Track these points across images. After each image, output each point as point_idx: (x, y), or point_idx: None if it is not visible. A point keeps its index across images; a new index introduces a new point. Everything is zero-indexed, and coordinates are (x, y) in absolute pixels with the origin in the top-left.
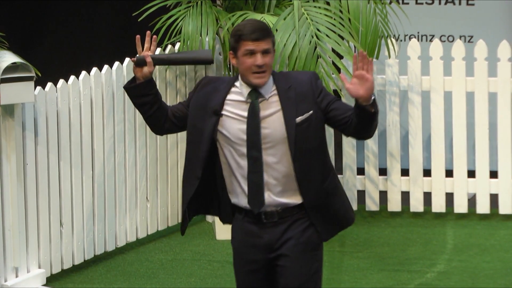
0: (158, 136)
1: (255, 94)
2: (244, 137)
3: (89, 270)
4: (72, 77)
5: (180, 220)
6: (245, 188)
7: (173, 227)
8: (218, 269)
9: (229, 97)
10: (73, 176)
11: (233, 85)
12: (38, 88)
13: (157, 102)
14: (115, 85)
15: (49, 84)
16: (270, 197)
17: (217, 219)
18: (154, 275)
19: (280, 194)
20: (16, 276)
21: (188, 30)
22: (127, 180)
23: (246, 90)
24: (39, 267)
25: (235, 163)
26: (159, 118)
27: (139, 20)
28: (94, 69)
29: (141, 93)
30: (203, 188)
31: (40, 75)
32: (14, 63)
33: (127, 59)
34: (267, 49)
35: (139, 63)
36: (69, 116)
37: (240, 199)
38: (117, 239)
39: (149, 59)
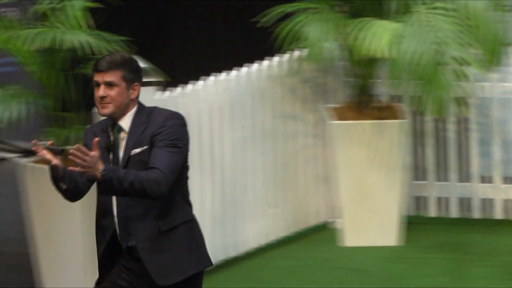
0: (283, 142)
1: (117, 127)
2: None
3: (213, 275)
4: (199, 83)
5: (303, 227)
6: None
7: (297, 233)
8: (341, 275)
9: (111, 135)
10: (198, 181)
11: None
12: (166, 92)
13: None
14: (241, 91)
15: (176, 89)
16: None
17: (346, 226)
18: (278, 281)
19: None
20: None
21: (310, 37)
22: (251, 185)
23: (111, 124)
24: None
25: None
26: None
27: (261, 26)
28: (220, 75)
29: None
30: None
31: (168, 79)
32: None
33: (253, 65)
34: (110, 82)
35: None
36: (196, 121)
37: None
38: (241, 244)
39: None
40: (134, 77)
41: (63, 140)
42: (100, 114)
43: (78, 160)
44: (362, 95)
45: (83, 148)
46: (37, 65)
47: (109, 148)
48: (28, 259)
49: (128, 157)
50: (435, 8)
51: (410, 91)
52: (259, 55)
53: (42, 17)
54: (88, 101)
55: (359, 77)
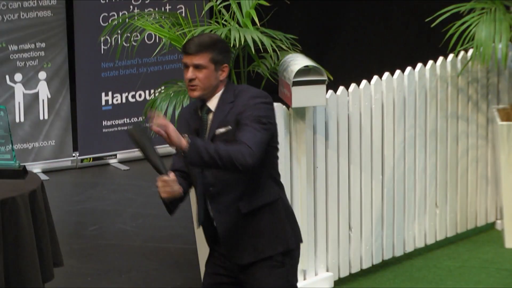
0: (448, 142)
1: (205, 108)
2: None
3: (377, 274)
4: (364, 81)
5: (468, 227)
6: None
7: (462, 234)
8: (506, 277)
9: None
10: (362, 180)
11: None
12: (330, 91)
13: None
14: (407, 90)
15: (341, 88)
16: None
17: (506, 226)
18: (441, 281)
19: None
20: (304, 279)
21: (481, 37)
22: (417, 185)
23: (199, 104)
24: (327, 270)
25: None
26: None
27: (432, 26)
28: (386, 74)
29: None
30: None
31: (332, 78)
32: (306, 66)
33: (419, 64)
34: (199, 64)
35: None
36: (360, 120)
37: None
38: (405, 244)
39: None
40: (223, 58)
41: None
42: (189, 96)
43: (161, 132)
44: None
45: (161, 118)
46: None
47: (198, 130)
48: (196, 256)
49: (212, 137)
50: None
51: None
52: (432, 55)
53: (213, 14)
54: None
55: None
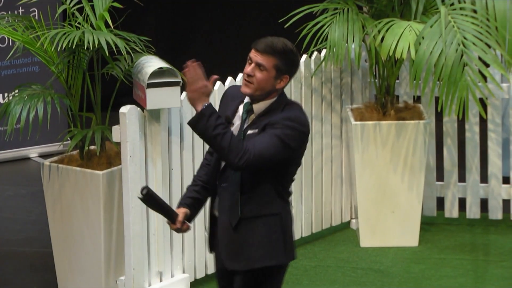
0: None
1: (249, 107)
2: None
3: None
4: (218, 83)
5: (323, 227)
6: None
7: (317, 233)
8: (362, 276)
9: (240, 106)
10: None
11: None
12: (184, 93)
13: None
14: None
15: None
16: None
17: (363, 226)
18: (297, 281)
19: None
20: (160, 281)
21: (334, 37)
22: None
23: (246, 99)
24: (183, 272)
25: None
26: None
27: (285, 26)
28: (240, 75)
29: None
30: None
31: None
32: (161, 68)
33: None
34: (262, 65)
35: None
36: None
37: None
38: None
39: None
40: (287, 69)
41: (88, 141)
42: (241, 90)
43: (189, 74)
44: (385, 95)
45: (198, 67)
46: (62, 65)
47: (230, 120)
48: (52, 259)
49: (245, 138)
50: (460, 8)
51: (433, 92)
52: None
53: (67, 17)
54: (113, 101)
55: (383, 78)
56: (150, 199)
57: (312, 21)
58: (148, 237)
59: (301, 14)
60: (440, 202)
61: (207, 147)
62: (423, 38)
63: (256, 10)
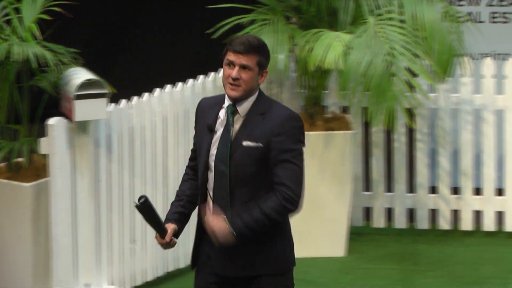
0: None
1: (232, 108)
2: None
3: (161, 287)
4: (146, 94)
5: None
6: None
7: None
8: None
9: (220, 112)
10: (146, 193)
11: (224, 101)
12: (112, 105)
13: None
14: (189, 103)
15: (123, 101)
16: None
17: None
18: None
19: None
20: None
21: None
22: None
23: (227, 103)
24: (111, 284)
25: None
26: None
27: (212, 37)
28: (168, 86)
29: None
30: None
31: (115, 91)
32: (89, 79)
33: (200, 77)
34: (247, 65)
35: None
36: (144, 133)
37: None
38: (189, 256)
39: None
40: (266, 63)
41: (16, 153)
42: (227, 95)
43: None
44: (314, 106)
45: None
46: None
47: (212, 128)
48: None
49: (238, 146)
50: (388, 19)
51: (361, 102)
52: (214, 67)
53: None
54: (41, 113)
55: (311, 88)
56: (146, 209)
57: (240, 32)
58: (76, 249)
59: (230, 25)
60: (368, 212)
61: (135, 159)
62: (351, 48)
63: (184, 20)
